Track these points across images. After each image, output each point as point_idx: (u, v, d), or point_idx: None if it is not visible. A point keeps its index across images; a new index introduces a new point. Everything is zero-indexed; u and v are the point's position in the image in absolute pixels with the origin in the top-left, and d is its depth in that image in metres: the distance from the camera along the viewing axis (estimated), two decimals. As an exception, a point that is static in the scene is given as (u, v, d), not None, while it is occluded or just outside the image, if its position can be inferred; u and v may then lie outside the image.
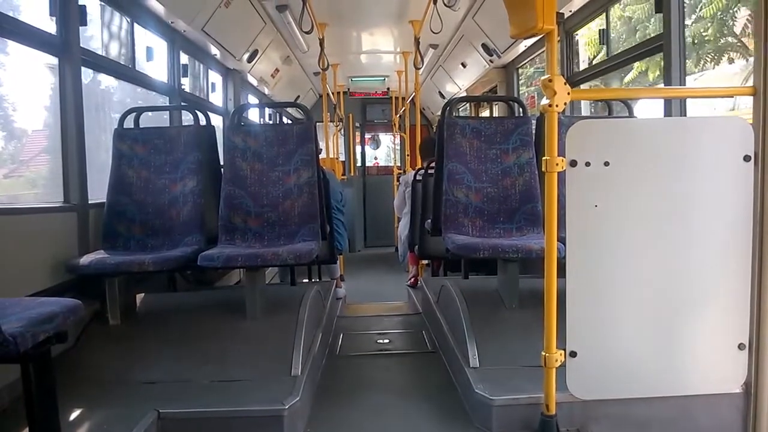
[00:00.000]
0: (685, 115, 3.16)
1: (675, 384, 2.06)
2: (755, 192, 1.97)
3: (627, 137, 2.01)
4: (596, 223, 1.98)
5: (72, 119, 2.96)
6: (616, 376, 2.04)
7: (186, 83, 4.79)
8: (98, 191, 3.19)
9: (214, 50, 5.11)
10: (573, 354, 2.00)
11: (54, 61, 2.93)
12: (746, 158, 1.97)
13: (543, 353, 2.00)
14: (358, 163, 10.40)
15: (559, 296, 1.98)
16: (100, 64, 3.47)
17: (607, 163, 1.96)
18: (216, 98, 5.75)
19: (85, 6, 3.06)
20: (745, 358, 2.02)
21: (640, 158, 1.99)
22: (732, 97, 2.17)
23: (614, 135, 2.00)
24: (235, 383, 2.43)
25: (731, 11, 10.89)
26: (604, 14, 4.15)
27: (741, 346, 2.02)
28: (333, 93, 8.18)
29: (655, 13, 3.25)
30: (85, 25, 3.07)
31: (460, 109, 7.76)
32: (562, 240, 2.03)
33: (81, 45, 3.04)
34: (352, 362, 3.12)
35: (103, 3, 3.58)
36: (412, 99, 6.85)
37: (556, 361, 1.99)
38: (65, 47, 2.91)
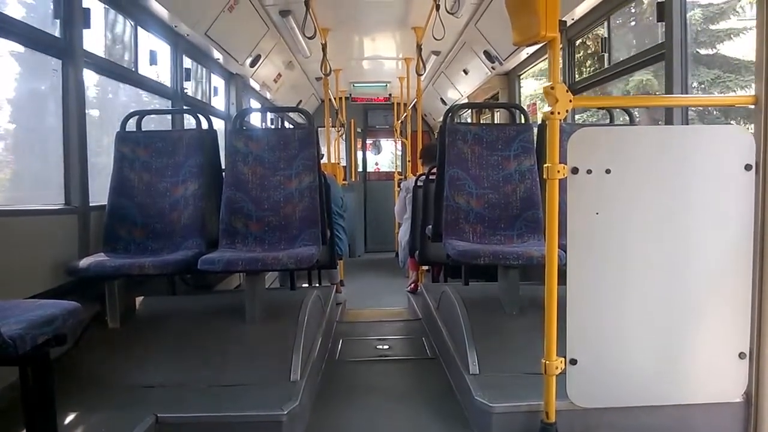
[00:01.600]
0: (687, 124, 3.16)
1: (675, 392, 2.06)
2: (756, 201, 1.98)
3: (629, 145, 2.01)
4: (597, 231, 1.98)
5: (74, 121, 2.96)
6: (616, 384, 2.04)
7: (189, 87, 4.80)
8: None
9: (217, 54, 5.12)
10: (573, 362, 2.00)
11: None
12: (747, 167, 1.98)
13: (543, 360, 1.99)
14: (360, 169, 10.42)
15: (560, 303, 1.98)
16: (103, 66, 3.48)
17: (608, 171, 1.96)
18: (218, 102, 5.76)
19: (89, 9, 3.07)
20: (745, 368, 2.02)
21: (642, 166, 2.00)
22: (733, 105, 2.16)
23: (616, 143, 2.01)
24: (234, 388, 2.42)
25: None
26: (606, 22, 4.16)
27: (741, 356, 2.02)
28: (335, 98, 8.19)
29: (657, 21, 3.26)
30: (89, 27, 3.07)
31: (461, 116, 7.77)
32: (563, 247, 2.03)
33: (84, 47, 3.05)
34: (352, 368, 3.11)
35: (107, 6, 3.59)
36: (414, 105, 6.87)
37: (557, 368, 1.99)
38: (69, 50, 2.92)
